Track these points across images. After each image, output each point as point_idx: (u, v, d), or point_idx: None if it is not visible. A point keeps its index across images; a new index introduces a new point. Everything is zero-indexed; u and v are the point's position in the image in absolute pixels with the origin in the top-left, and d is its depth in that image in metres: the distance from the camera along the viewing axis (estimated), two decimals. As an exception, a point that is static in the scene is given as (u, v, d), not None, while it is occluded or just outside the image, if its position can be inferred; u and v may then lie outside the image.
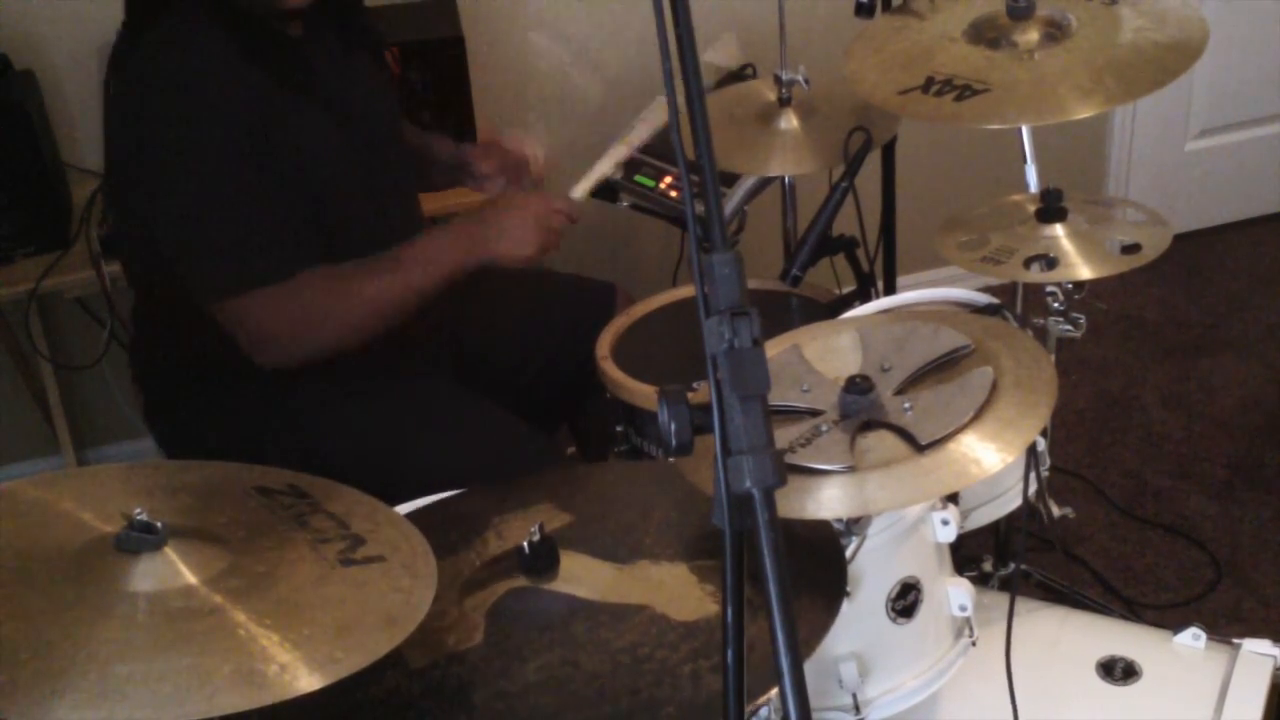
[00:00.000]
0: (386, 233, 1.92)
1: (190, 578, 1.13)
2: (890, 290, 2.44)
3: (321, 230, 1.83)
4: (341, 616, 1.14)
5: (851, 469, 1.31)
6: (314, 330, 1.79)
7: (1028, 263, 1.72)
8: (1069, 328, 1.80)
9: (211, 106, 1.73)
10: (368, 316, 1.81)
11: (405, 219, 2.01)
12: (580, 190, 2.02)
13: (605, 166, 2.09)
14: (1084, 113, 1.73)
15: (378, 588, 1.20)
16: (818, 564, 1.36)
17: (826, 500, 1.29)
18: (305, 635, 1.10)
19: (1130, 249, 1.71)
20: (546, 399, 2.22)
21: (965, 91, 1.78)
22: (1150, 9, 1.86)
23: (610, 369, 1.94)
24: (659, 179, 2.38)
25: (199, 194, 1.74)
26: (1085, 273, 1.70)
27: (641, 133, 2.11)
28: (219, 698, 1.02)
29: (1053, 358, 1.77)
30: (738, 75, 2.53)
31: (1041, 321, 1.82)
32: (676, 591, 1.33)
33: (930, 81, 1.81)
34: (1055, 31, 1.85)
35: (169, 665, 1.04)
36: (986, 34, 1.88)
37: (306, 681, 1.05)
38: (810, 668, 1.26)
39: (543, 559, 1.35)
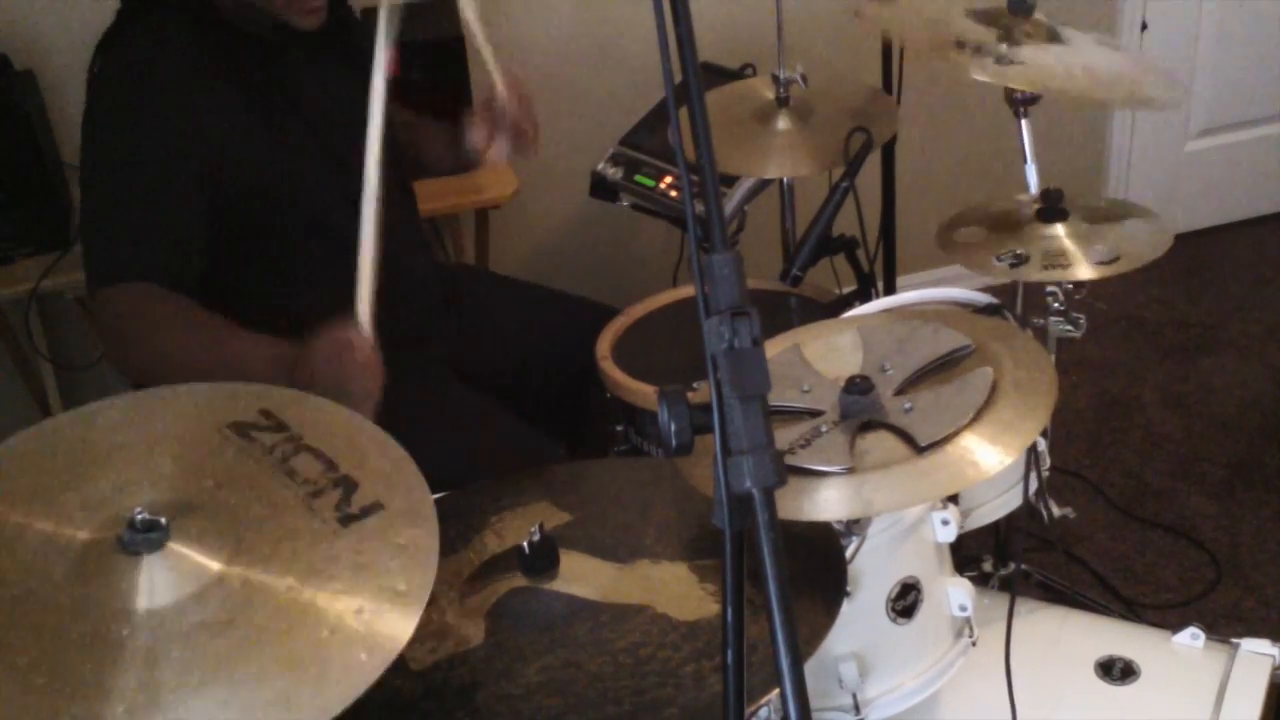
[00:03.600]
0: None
1: (191, 587, 1.10)
2: (890, 290, 2.44)
3: (276, 243, 1.84)
4: (345, 633, 1.11)
5: (850, 470, 1.31)
6: (119, 350, 1.76)
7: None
8: (1069, 328, 1.80)
9: (144, 105, 1.74)
10: (161, 367, 1.71)
11: (398, 227, 2.00)
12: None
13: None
14: (1124, 102, 1.72)
15: (383, 553, 1.16)
16: (818, 564, 1.36)
17: (824, 501, 1.29)
18: (310, 651, 1.08)
19: (1109, 262, 1.71)
20: (547, 402, 2.22)
21: (1003, 59, 1.76)
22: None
23: (610, 369, 1.94)
24: (659, 179, 2.38)
25: (99, 182, 1.76)
26: (1085, 273, 1.70)
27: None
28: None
29: (1053, 358, 1.77)
30: (736, 74, 2.53)
31: (1041, 321, 1.82)
32: (677, 591, 1.33)
33: (962, 44, 1.79)
34: (1055, 39, 1.86)
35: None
36: (996, 22, 1.87)
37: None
38: (810, 668, 1.26)
39: (543, 559, 1.35)
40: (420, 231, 2.11)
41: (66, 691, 1.01)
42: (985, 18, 1.89)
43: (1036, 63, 1.77)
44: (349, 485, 1.21)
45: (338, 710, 1.01)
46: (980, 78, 1.73)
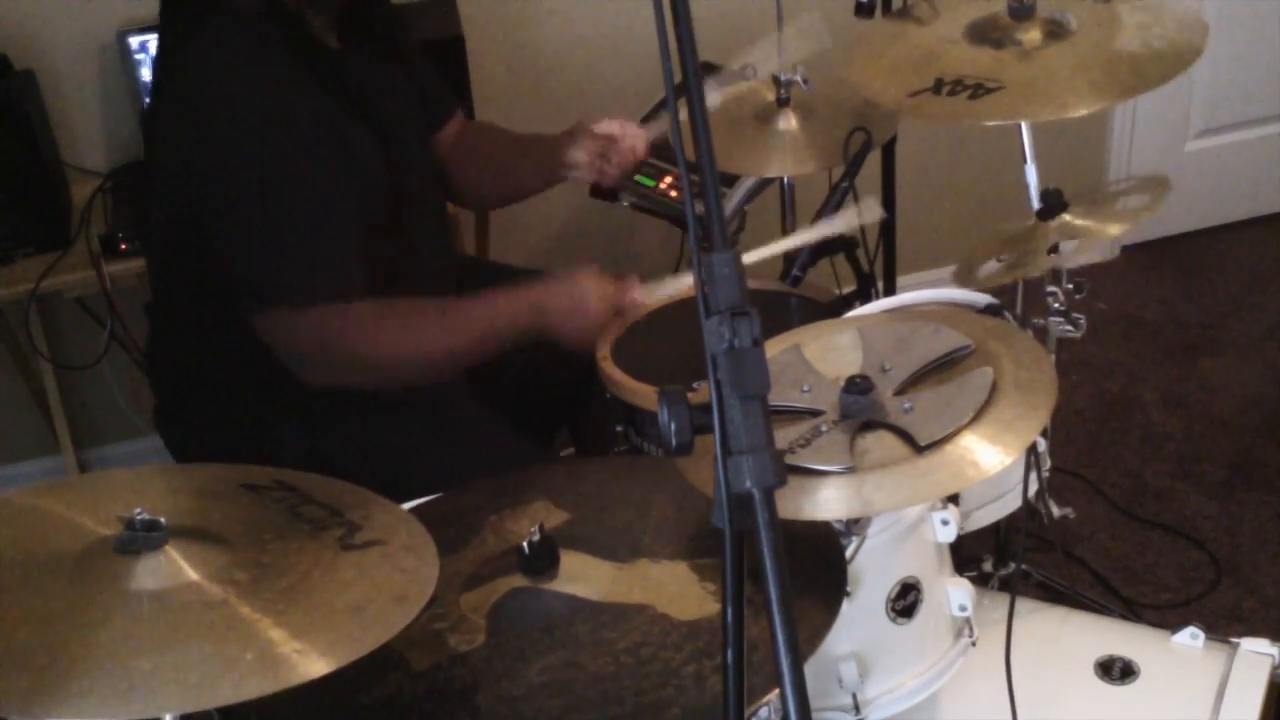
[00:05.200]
0: (416, 243, 1.92)
1: (194, 574, 1.14)
2: (890, 290, 2.44)
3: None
4: (351, 599, 1.15)
5: (850, 470, 1.31)
6: (358, 361, 1.79)
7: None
8: (1069, 328, 1.80)
9: (284, 114, 1.72)
10: (416, 362, 1.82)
11: (434, 229, 2.02)
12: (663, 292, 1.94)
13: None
14: (1100, 105, 1.73)
15: (382, 569, 1.21)
16: (818, 564, 1.36)
17: (825, 501, 1.29)
18: (318, 618, 1.12)
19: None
20: (548, 400, 2.22)
21: (978, 90, 1.77)
22: (1147, 4, 1.86)
23: (610, 369, 1.94)
24: (659, 179, 2.38)
25: (277, 200, 1.73)
26: (1114, 229, 1.72)
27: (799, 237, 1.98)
28: (246, 683, 1.03)
29: (1053, 358, 1.77)
30: (736, 75, 2.53)
31: (1041, 321, 1.82)
32: (677, 590, 1.33)
33: (940, 83, 1.81)
34: (1057, 29, 1.85)
35: (191, 656, 1.05)
36: (989, 34, 1.88)
37: (328, 661, 1.07)
38: (810, 668, 1.26)
39: (543, 559, 1.35)
40: (448, 231, 2.12)
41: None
42: (982, 33, 1.89)
43: (1016, 85, 1.77)
44: (353, 526, 1.26)
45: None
46: (951, 120, 1.76)
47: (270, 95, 1.72)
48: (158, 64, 1.82)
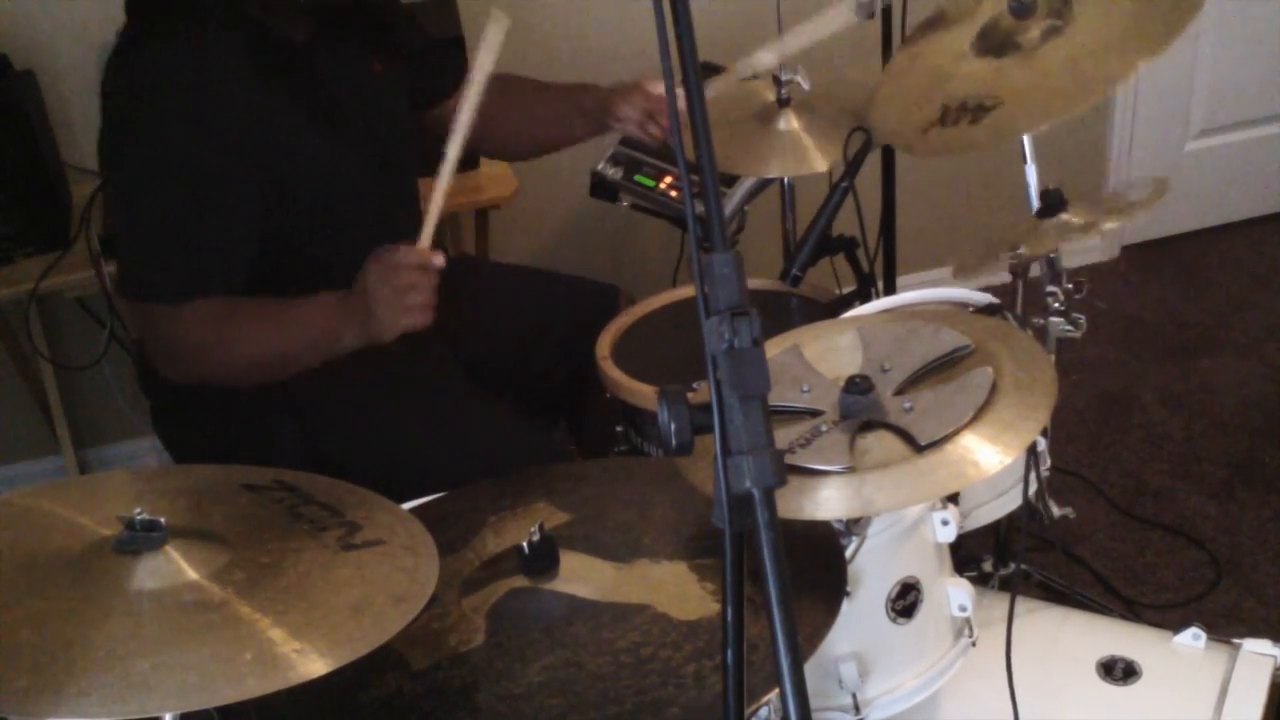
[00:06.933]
0: (389, 237, 1.92)
1: (194, 573, 1.14)
2: (890, 290, 2.44)
3: (319, 238, 1.84)
4: (351, 598, 1.15)
5: (850, 470, 1.31)
6: (194, 359, 1.78)
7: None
8: (1069, 328, 1.80)
9: (195, 111, 1.72)
10: (246, 364, 1.79)
11: (407, 222, 2.01)
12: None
13: None
14: (1087, 103, 1.72)
15: (382, 568, 1.21)
16: (818, 564, 1.36)
17: (825, 501, 1.29)
18: (318, 618, 1.11)
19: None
20: (547, 398, 2.22)
21: (979, 112, 1.77)
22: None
23: (610, 369, 1.94)
24: (659, 179, 2.38)
25: (148, 195, 1.74)
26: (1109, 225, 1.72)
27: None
28: (246, 682, 1.03)
29: (1053, 358, 1.77)
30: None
31: (1041, 321, 1.82)
32: (677, 590, 1.33)
33: (946, 111, 1.80)
34: (1056, 23, 1.84)
35: (191, 656, 1.05)
36: (993, 42, 1.87)
37: (327, 661, 1.07)
38: (810, 668, 1.26)
39: (543, 559, 1.35)
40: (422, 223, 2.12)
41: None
42: (987, 40, 1.89)
43: (1013, 97, 1.77)
44: (353, 525, 1.26)
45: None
46: (959, 151, 1.77)
47: (189, 90, 1.72)
48: (108, 61, 1.82)
